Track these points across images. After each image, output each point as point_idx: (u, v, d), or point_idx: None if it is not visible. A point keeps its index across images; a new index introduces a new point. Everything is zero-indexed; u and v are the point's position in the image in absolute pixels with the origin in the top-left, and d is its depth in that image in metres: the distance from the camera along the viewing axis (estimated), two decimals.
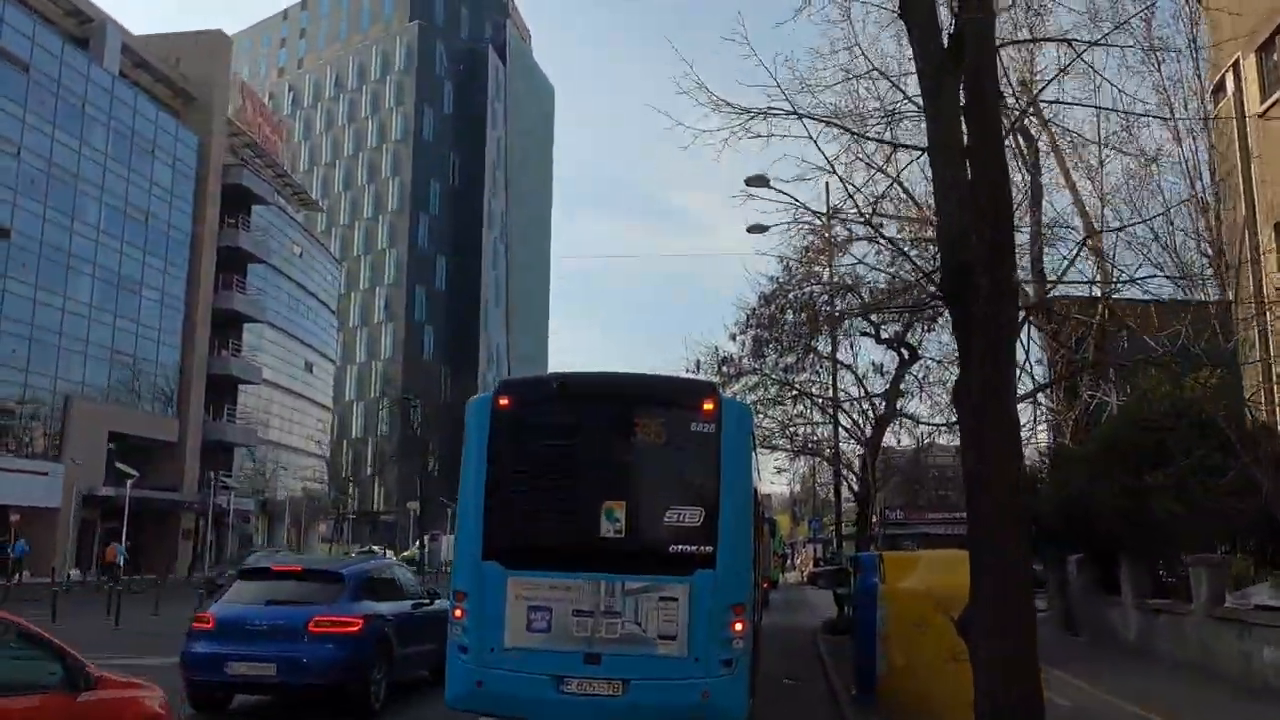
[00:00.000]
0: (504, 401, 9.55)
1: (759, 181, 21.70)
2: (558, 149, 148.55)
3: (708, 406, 9.27)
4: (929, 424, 20.09)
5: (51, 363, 45.87)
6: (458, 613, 9.10)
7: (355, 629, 11.76)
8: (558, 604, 8.78)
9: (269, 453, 67.03)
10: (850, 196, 11.99)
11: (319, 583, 12.50)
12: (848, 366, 20.73)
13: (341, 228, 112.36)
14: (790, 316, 19.90)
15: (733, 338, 19.63)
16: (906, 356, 19.82)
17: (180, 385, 55.20)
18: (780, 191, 19.18)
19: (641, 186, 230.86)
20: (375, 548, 67.04)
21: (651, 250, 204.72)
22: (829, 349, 19.90)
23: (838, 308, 19.08)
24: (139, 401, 52.62)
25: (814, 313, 18.85)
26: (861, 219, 11.55)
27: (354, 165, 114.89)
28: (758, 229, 21.05)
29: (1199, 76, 23.84)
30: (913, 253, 20.18)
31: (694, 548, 8.92)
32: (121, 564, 37.97)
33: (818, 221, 19.91)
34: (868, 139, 11.18)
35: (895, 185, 22.22)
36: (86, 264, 48.16)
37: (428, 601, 14.10)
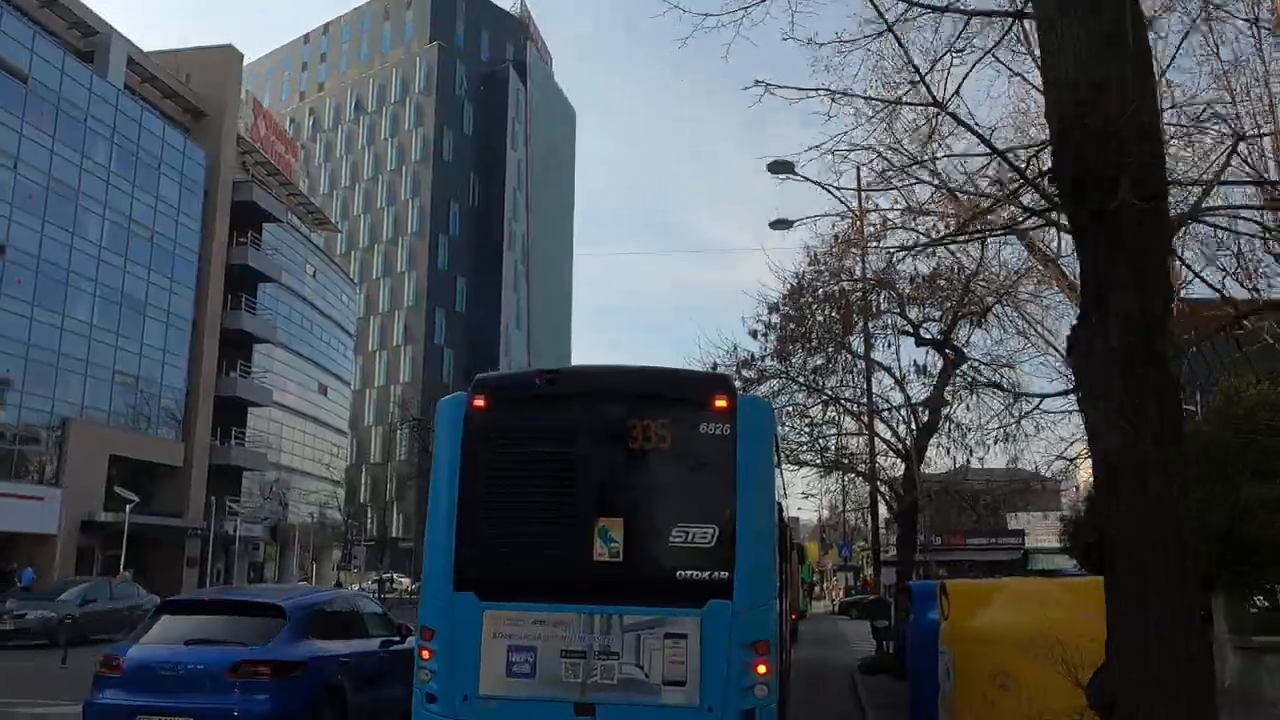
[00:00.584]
0: (479, 401, 8.15)
1: (783, 167, 19.68)
2: (580, 171, 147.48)
3: (721, 403, 7.83)
4: (985, 429, 17.70)
5: (49, 384, 44.19)
6: (425, 654, 7.83)
7: (294, 674, 9.69)
8: (543, 643, 7.52)
9: (280, 477, 65.18)
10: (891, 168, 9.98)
11: (255, 617, 10.39)
12: (885, 368, 18.43)
13: (361, 250, 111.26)
14: (820, 316, 17.70)
15: (754, 335, 17.40)
16: (952, 357, 17.56)
17: (186, 407, 53.48)
18: (808, 180, 17.05)
19: (666, 211, 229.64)
20: (393, 575, 65.11)
21: (674, 272, 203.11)
22: (863, 349, 17.64)
23: (873, 302, 16.89)
24: (143, 424, 50.92)
25: (847, 307, 16.62)
26: (916, 162, 9.30)
27: (373, 188, 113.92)
28: (782, 224, 19.05)
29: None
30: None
31: (706, 573, 7.52)
32: None
33: (849, 209, 17.82)
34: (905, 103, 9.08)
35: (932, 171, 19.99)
36: (87, 281, 46.58)
37: (399, 640, 12.01)
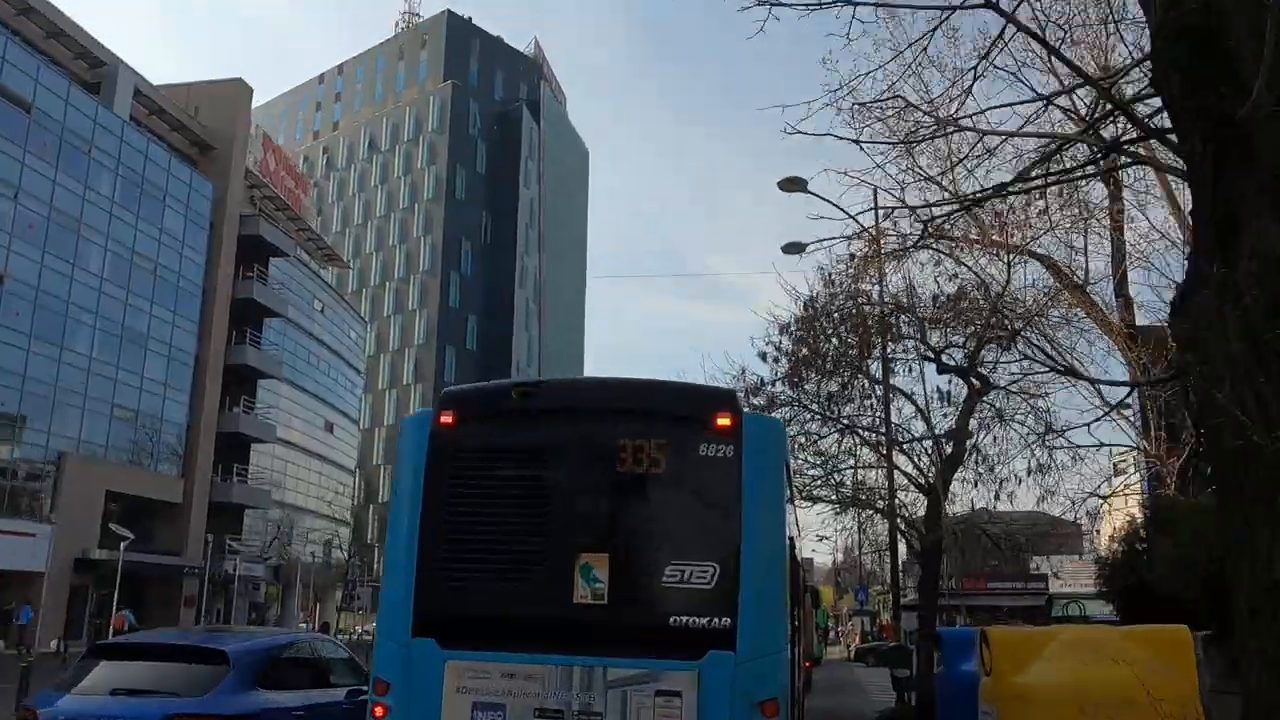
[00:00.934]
0: (447, 418, 7.11)
1: (795, 184, 18.60)
2: (592, 211, 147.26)
3: (724, 421, 6.78)
4: (1010, 459, 16.35)
5: (45, 417, 43.27)
6: (377, 710, 6.78)
7: None
8: (514, 699, 6.45)
9: (284, 516, 63.95)
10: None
11: (195, 664, 9.15)
12: (906, 394, 17.11)
13: (372, 288, 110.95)
14: (835, 340, 16.48)
15: (763, 357, 16.17)
16: (978, 385, 16.31)
17: (187, 443, 52.50)
18: (823, 199, 15.95)
19: (679, 252, 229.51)
20: None
21: (690, 312, 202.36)
22: (881, 373, 16.38)
23: (892, 323, 15.68)
24: (143, 459, 49.90)
25: (865, 328, 15.41)
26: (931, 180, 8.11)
27: (385, 225, 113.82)
28: (794, 248, 17.93)
29: None
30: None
31: (705, 619, 6.44)
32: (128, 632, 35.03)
33: (863, 228, 16.67)
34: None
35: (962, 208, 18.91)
36: (88, 314, 45.84)
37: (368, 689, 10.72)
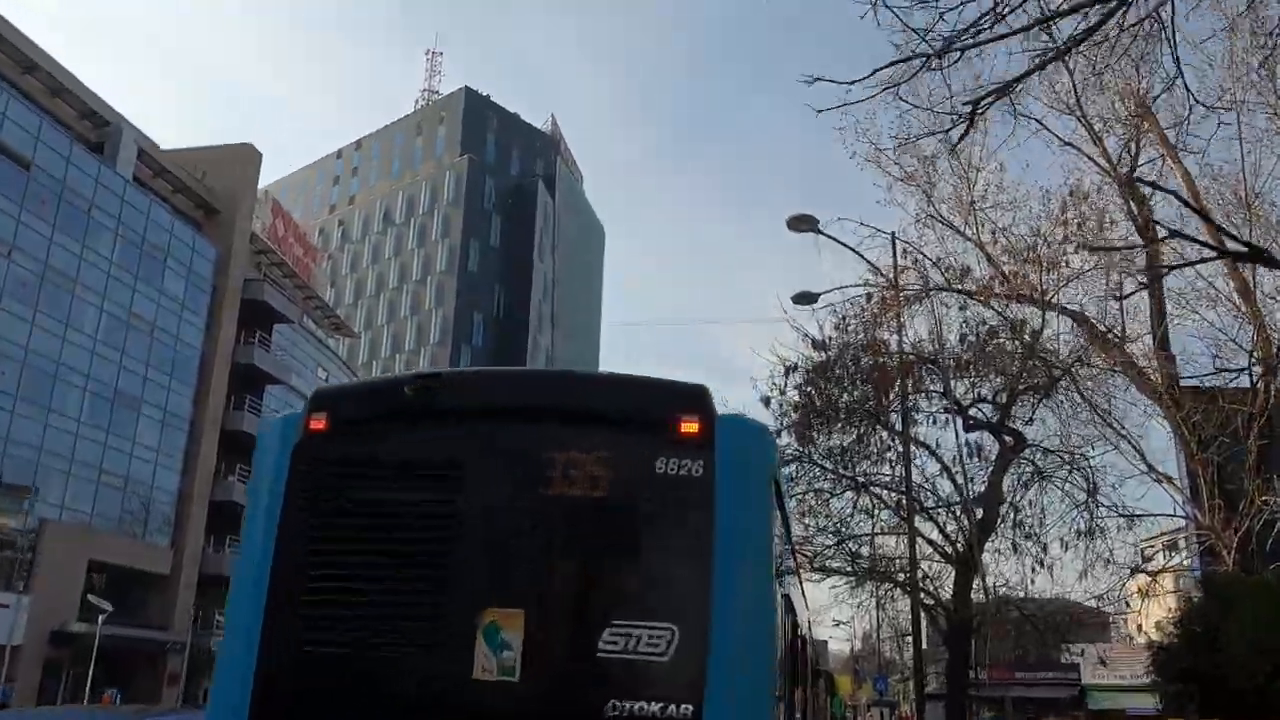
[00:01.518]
0: (317, 423, 5.29)
1: (805, 222, 17.04)
2: (606, 288, 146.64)
3: (689, 427, 4.90)
4: (1047, 524, 14.35)
5: (27, 480, 41.55)
6: None
7: None
8: None
9: None
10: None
11: None
12: (931, 450, 15.15)
13: (383, 359, 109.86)
14: (850, 393, 14.72)
15: (766, 402, 14.29)
16: (1011, 443, 14.45)
17: (178, 511, 50.62)
18: (836, 240, 14.40)
19: (694, 332, 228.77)
20: None
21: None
22: (901, 425, 14.48)
23: (913, 366, 13.91)
24: (132, 528, 48.02)
25: (884, 373, 13.61)
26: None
27: (397, 297, 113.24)
28: (805, 298, 16.34)
29: None
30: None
31: (659, 706, 4.42)
32: None
33: (882, 274, 15.14)
34: None
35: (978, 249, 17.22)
36: (79, 375, 44.45)
37: None
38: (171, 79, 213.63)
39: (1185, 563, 18.81)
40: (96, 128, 48.22)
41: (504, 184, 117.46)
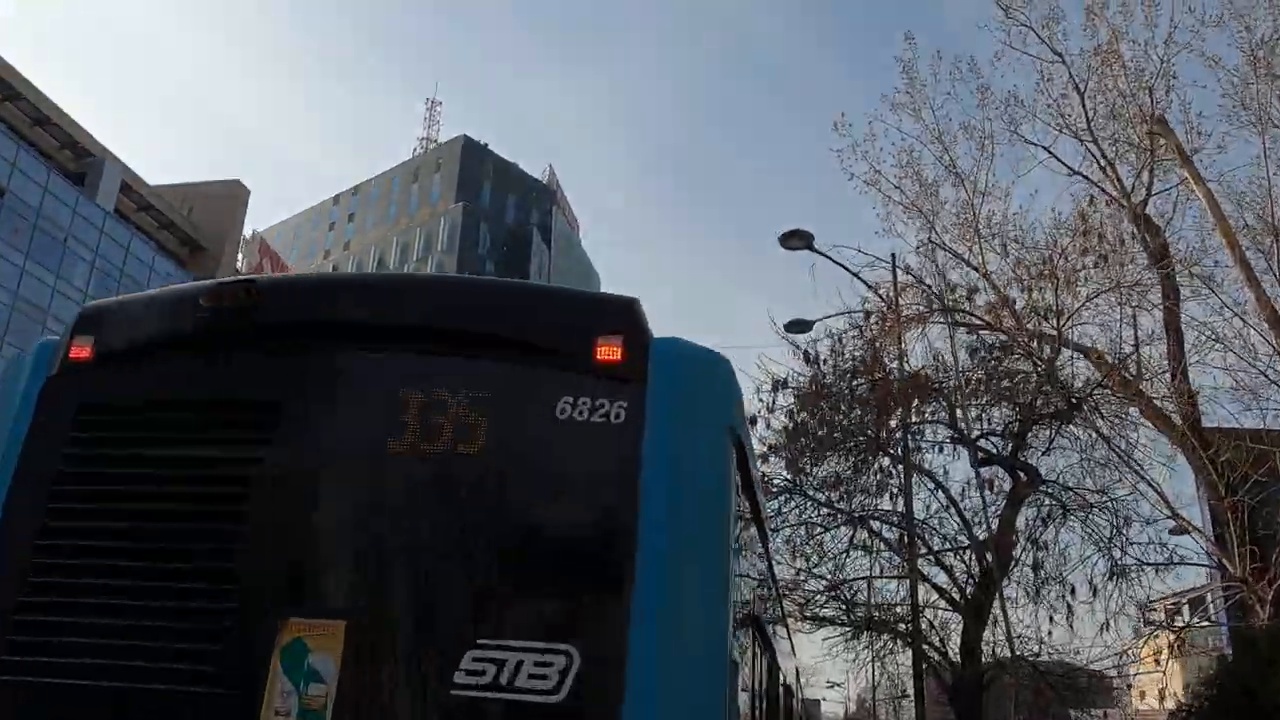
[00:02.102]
0: (80, 350, 3.72)
1: (799, 238, 15.73)
2: None
3: (607, 352, 3.32)
4: (1065, 568, 12.81)
5: None
6: None
7: None
8: None
9: None
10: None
11: None
12: (937, 480, 13.55)
13: None
14: (843, 409, 13.29)
15: (752, 422, 12.74)
16: (1024, 479, 12.95)
17: None
18: (830, 258, 13.09)
19: None
20: None
21: None
22: (902, 451, 12.96)
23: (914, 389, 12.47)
24: None
25: (885, 391, 12.14)
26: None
27: None
28: (798, 326, 15.00)
29: None
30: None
31: None
32: None
33: (882, 298, 13.80)
34: None
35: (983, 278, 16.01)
36: None
37: None
38: (171, 125, 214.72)
39: (1212, 617, 17.21)
40: (78, 158, 47.22)
41: (499, 231, 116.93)
